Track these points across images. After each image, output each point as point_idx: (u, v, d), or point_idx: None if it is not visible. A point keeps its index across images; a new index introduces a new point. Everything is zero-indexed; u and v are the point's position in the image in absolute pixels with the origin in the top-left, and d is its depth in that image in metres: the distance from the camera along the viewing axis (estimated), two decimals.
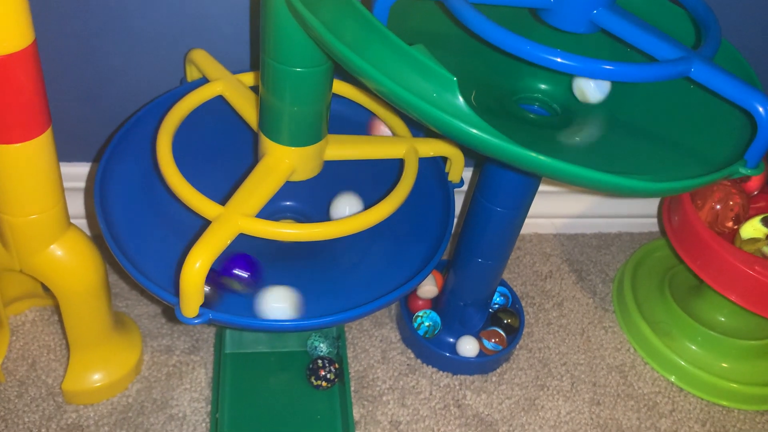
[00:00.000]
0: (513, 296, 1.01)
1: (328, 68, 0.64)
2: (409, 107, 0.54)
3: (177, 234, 0.74)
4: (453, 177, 0.80)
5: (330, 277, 0.74)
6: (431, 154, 0.76)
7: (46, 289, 0.93)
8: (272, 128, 0.68)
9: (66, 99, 0.89)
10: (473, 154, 1.01)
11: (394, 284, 0.71)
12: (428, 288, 0.95)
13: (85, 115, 0.91)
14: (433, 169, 0.81)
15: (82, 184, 0.98)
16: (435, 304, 0.98)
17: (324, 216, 0.84)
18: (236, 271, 0.68)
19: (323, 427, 0.85)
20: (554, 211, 1.14)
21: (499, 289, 1.00)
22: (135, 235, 0.73)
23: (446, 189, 0.79)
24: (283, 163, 0.69)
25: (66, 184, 0.75)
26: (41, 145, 0.66)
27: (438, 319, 0.95)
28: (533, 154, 0.52)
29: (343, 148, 0.73)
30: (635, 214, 1.17)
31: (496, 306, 1.00)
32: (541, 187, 1.05)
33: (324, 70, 0.63)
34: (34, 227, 0.71)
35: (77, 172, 0.97)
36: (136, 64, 0.87)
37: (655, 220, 1.19)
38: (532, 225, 1.15)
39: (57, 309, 0.93)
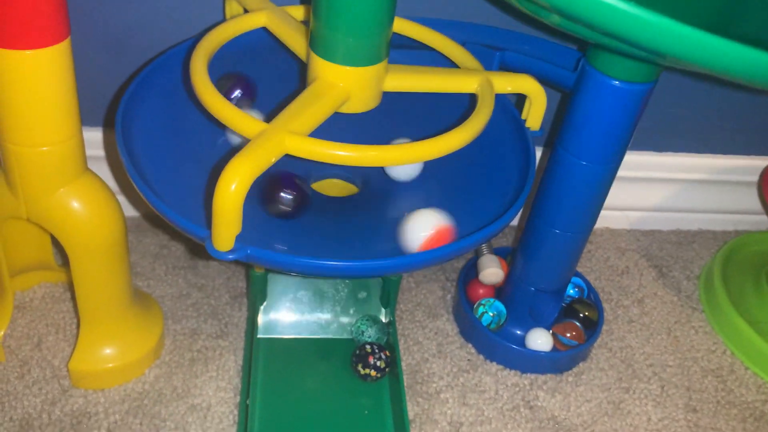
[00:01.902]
0: (589, 288, 0.87)
1: None
2: None
3: (206, 174, 0.64)
4: (532, 122, 0.68)
5: (390, 231, 0.63)
6: (508, 89, 0.64)
7: (59, 261, 0.83)
8: (326, 43, 0.57)
9: (85, 50, 0.79)
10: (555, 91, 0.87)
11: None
12: (492, 270, 0.82)
13: (108, 69, 0.82)
14: (506, 116, 0.70)
15: (101, 152, 0.88)
16: (498, 293, 0.85)
17: (376, 176, 0.72)
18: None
19: (371, 425, 0.72)
20: (628, 202, 1.01)
21: (573, 279, 0.87)
22: (160, 173, 0.62)
23: (523, 135, 0.67)
24: (336, 86, 0.58)
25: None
26: (57, 57, 0.56)
27: (503, 309, 0.82)
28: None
29: (404, 79, 0.62)
30: (719, 209, 1.04)
31: (569, 300, 0.86)
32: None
33: None
34: (44, 162, 0.61)
35: (97, 138, 0.87)
36: (168, 8, 0.78)
37: (742, 217, 1.05)
38: (603, 218, 1.02)
39: (70, 286, 0.82)
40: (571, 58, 0.70)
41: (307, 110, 0.56)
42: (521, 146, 0.67)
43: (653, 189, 1.01)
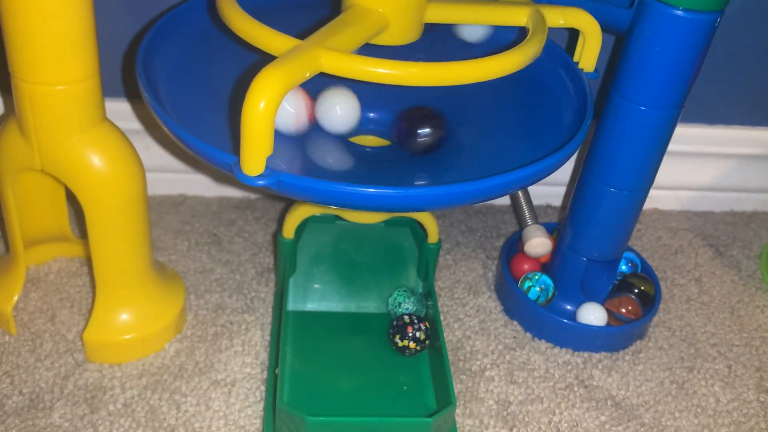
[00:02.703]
0: (643, 263, 0.81)
1: None
2: None
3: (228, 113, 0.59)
4: (585, 63, 0.62)
5: (429, 175, 0.57)
6: (561, 23, 0.59)
7: (76, 234, 0.78)
8: None
9: (109, 10, 0.76)
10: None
11: None
12: (540, 240, 0.76)
13: (133, 32, 0.78)
14: (556, 56, 0.64)
15: (137, 125, 0.83)
16: (544, 269, 0.79)
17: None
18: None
19: (411, 401, 0.65)
20: (677, 181, 0.95)
21: (625, 255, 0.80)
22: (183, 110, 0.57)
23: (577, 75, 0.62)
24: (374, 11, 0.54)
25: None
26: None
27: (551, 283, 0.75)
28: None
29: (448, 9, 0.58)
30: None
31: (620, 277, 0.80)
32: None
33: None
34: (59, 103, 0.56)
35: (123, 109, 0.83)
36: None
37: None
38: (651, 198, 0.95)
39: (86, 261, 0.77)
40: None
41: (343, 32, 0.51)
42: (574, 83, 0.61)
43: (704, 165, 0.95)
